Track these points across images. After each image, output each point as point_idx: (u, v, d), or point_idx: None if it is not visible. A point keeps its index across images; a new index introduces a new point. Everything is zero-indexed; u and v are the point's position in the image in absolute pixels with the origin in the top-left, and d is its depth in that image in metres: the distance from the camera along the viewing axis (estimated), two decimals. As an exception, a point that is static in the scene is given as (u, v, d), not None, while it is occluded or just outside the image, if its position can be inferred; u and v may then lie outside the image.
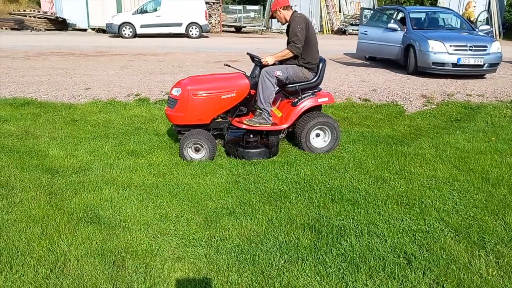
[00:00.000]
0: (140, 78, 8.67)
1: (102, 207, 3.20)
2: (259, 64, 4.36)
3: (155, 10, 20.04)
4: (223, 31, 26.12)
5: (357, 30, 13.74)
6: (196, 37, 20.49)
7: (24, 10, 24.95)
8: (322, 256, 2.61)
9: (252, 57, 4.42)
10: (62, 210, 3.14)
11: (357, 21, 20.14)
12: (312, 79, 4.40)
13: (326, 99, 4.53)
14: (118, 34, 19.55)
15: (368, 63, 11.36)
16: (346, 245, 2.72)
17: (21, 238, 2.74)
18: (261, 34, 25.74)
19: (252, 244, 2.73)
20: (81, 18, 24.25)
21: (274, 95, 4.35)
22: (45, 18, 24.01)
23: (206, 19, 21.18)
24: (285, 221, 3.02)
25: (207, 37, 21.76)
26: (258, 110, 4.36)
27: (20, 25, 23.68)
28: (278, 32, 26.11)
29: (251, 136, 4.45)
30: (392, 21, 10.05)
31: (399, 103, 6.73)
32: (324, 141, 4.53)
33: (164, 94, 7.20)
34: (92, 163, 4.11)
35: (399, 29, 9.67)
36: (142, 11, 19.95)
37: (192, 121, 4.26)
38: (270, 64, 4.27)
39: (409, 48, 9.09)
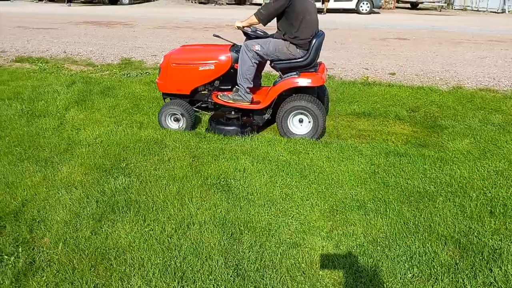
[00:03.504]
0: (299, 52, 8.64)
1: (235, 176, 3.25)
2: (248, 37, 4.05)
3: (327, -16, 19.72)
4: (396, 7, 24.32)
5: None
6: (366, 13, 19.55)
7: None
8: (463, 280, 2.14)
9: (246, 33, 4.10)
10: (200, 173, 3.30)
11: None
12: (301, 57, 3.91)
13: (309, 81, 3.92)
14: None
15: None
16: (498, 274, 2.17)
17: (160, 195, 2.97)
18: (440, 11, 23.10)
19: (378, 247, 2.40)
20: (257, -7, 25.40)
21: (254, 71, 4.00)
22: (227, -8, 25.89)
23: (380, -6, 19.97)
24: (424, 228, 2.58)
25: (378, 13, 20.57)
26: (236, 86, 4.09)
27: (206, -1, 26.18)
28: (462, 9, 23.08)
29: (232, 112, 4.22)
30: None
31: None
32: (305, 127, 4.07)
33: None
34: (236, 132, 4.24)
35: None
36: (313, -14, 19.84)
37: (172, 90, 4.26)
38: (238, 27, 4.01)
39: None
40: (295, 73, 3.97)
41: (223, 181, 3.18)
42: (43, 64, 7.37)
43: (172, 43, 9.92)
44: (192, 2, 26.96)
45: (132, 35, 11.39)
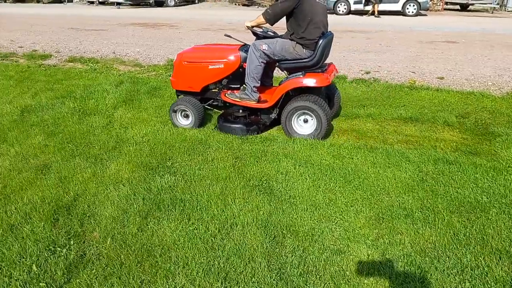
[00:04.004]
0: (344, 55, 8.52)
1: (277, 179, 3.24)
2: (257, 37, 4.13)
3: (373, -15, 19.32)
4: (445, 9, 23.47)
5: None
6: (413, 15, 18.99)
7: (254, -12, 27.58)
8: (519, 298, 2.02)
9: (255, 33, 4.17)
10: (242, 175, 3.32)
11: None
12: (307, 57, 3.92)
13: (314, 81, 3.90)
14: (332, 10, 19.73)
15: None
16: (559, 294, 2.04)
17: (204, 194, 3.01)
18: (492, 13, 22.07)
19: (427, 258, 2.32)
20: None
21: (261, 70, 4.03)
22: (270, -5, 26.03)
23: (427, -5, 19.34)
24: (476, 240, 2.46)
25: (425, 15, 19.93)
26: (243, 85, 4.15)
27: (250, 1, 26.43)
28: (517, 11, 21.93)
29: (240, 111, 4.29)
30: None
31: None
32: (310, 127, 4.08)
33: (364, 73, 6.89)
34: (278, 135, 4.23)
35: None
36: (360, -13, 19.54)
37: (184, 87, 4.39)
38: (247, 27, 4.09)
39: None
40: (300, 73, 3.98)
41: (265, 183, 3.18)
42: (94, 64, 7.68)
43: (216, 45, 10.06)
44: (235, 4, 27.25)
45: (177, 37, 11.65)
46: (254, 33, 4.17)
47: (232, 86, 4.36)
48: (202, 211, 2.79)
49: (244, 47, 4.28)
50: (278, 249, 2.41)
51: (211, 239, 2.49)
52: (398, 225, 2.63)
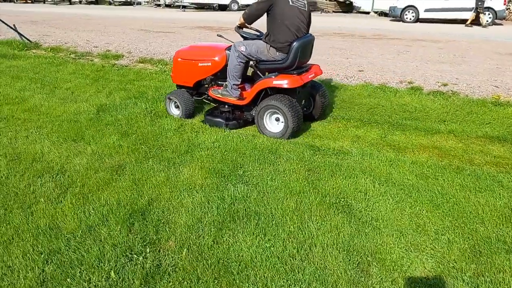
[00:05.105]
0: (416, 65, 8.09)
1: (356, 197, 3.03)
2: (243, 37, 4.38)
3: (445, -7, 18.41)
4: (524, 18, 21.84)
5: None
6: (488, 24, 17.83)
7: (318, -7, 27.38)
8: None
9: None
10: (317, 189, 3.14)
11: None
12: (281, 59, 4.09)
13: (284, 82, 4.04)
14: (399, 18, 19.07)
15: None
16: None
17: (278, 208, 2.87)
18: None
19: (539, 305, 2.02)
20: (366, 2, 24.82)
21: (240, 69, 4.26)
22: (335, 1, 25.75)
23: (505, 4, 18.09)
24: None
25: (500, 24, 18.68)
26: (225, 82, 4.43)
27: (313, 7, 26.25)
28: None
29: (226, 106, 4.57)
30: None
31: None
32: (279, 127, 4.24)
33: (440, 85, 6.47)
34: (352, 147, 4.01)
35: None
36: (430, -6, 18.70)
37: (180, 82, 4.80)
38: (236, 26, 4.31)
39: None
40: (274, 73, 4.17)
41: (343, 201, 2.98)
42: (163, 66, 7.84)
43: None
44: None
45: (241, 41, 11.68)
46: (240, 35, 4.44)
47: (219, 82, 4.67)
48: (277, 227, 2.65)
49: (231, 48, 4.52)
50: (363, 278, 2.21)
51: (290, 260, 2.34)
52: (498, 261, 2.34)
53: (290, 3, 3.97)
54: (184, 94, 4.72)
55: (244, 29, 4.38)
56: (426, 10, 18.54)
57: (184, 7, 26.65)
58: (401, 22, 18.88)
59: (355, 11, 25.79)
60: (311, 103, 4.74)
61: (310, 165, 3.58)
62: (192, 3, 27.22)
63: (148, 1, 34.57)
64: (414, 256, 2.38)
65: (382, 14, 23.33)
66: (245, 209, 2.84)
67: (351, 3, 25.84)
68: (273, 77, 4.14)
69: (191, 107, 4.73)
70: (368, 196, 3.05)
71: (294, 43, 4.00)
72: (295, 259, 2.35)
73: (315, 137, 4.34)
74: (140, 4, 35.00)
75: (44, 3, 37.13)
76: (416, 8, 18.70)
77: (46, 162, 3.53)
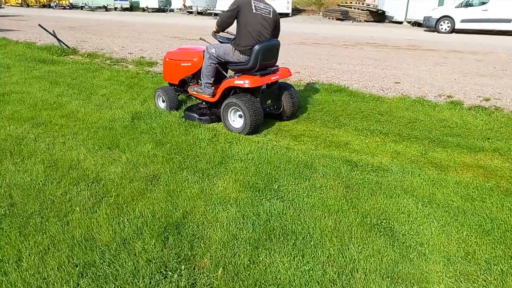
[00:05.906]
0: (454, 78, 7.82)
1: (398, 219, 2.88)
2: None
3: (483, 3, 17.89)
4: None
5: None
6: (529, 35, 17.18)
7: (351, 2, 27.19)
8: None
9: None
10: (356, 209, 3.01)
11: None
12: (245, 61, 4.47)
13: (245, 81, 4.40)
14: (434, 28, 18.64)
15: None
16: None
17: (316, 227, 2.75)
18: None
19: None
20: (399, 11, 24.46)
21: (212, 70, 4.70)
22: (367, 10, 25.48)
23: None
24: None
25: (543, 36, 17.93)
26: (199, 81, 4.96)
27: (344, 16, 26.00)
28: None
29: (203, 103, 5.03)
30: None
31: None
32: (240, 123, 4.55)
33: (482, 99, 6.20)
34: (392, 164, 3.85)
35: None
36: (467, 4, 18.23)
37: (168, 79, 5.38)
38: (213, 31, 4.74)
39: None
40: (238, 74, 4.59)
41: (384, 223, 2.83)
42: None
43: (313, 60, 9.86)
44: (329, 18, 26.95)
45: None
46: (216, 39, 4.85)
47: (199, 81, 5.08)
48: (316, 248, 2.54)
49: None
50: (410, 310, 2.07)
51: (331, 285, 2.22)
52: (559, 298, 2.14)
53: (254, 10, 4.37)
54: (170, 90, 5.32)
55: (221, 34, 4.79)
56: (463, 21, 18.04)
57: (215, 14, 26.96)
58: (435, 33, 18.44)
59: (387, 21, 25.39)
60: (281, 103, 4.99)
61: (348, 182, 3.45)
62: (223, 11, 27.56)
63: (180, 8, 35.17)
64: (464, 287, 2.22)
65: (415, 24, 22.88)
66: (282, 227, 2.74)
67: (384, 12, 25.48)
68: (236, 77, 4.54)
69: (175, 102, 5.31)
70: (412, 218, 2.90)
71: (256, 47, 4.37)
72: (336, 285, 2.23)
73: (352, 151, 4.20)
74: (173, 11, 35.65)
75: (82, 9, 38.36)
76: (452, 19, 18.24)
77: (82, 170, 3.54)
